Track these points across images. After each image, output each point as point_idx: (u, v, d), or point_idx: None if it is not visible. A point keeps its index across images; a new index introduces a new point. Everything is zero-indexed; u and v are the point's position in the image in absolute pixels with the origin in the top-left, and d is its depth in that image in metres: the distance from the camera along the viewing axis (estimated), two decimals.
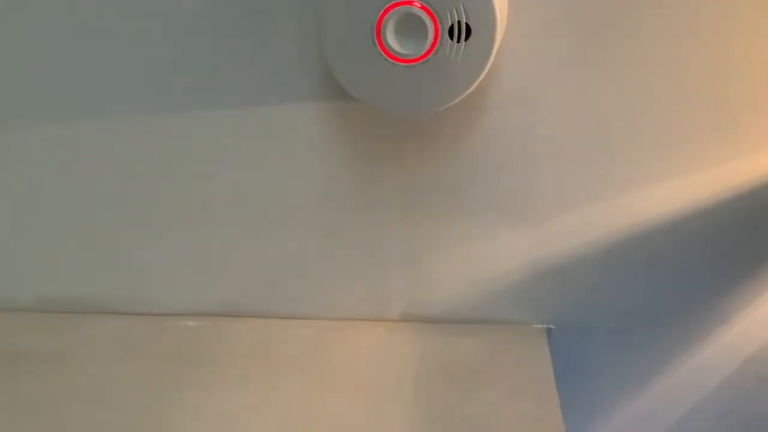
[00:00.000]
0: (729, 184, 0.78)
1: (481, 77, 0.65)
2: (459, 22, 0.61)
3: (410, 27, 0.62)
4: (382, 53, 0.63)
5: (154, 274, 0.89)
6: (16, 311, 0.91)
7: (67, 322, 0.90)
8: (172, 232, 0.85)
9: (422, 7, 0.61)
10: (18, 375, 0.82)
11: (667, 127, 0.75)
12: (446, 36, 0.62)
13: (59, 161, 0.82)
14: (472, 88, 0.66)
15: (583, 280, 0.85)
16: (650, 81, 0.72)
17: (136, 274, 0.89)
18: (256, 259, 0.86)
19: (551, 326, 0.88)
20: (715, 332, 0.88)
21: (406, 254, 0.85)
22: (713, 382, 0.91)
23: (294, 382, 0.81)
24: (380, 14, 0.62)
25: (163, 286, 0.89)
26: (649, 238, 0.81)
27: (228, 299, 0.90)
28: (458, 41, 0.62)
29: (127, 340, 0.87)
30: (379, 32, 0.62)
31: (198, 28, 0.72)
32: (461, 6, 0.61)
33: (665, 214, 0.80)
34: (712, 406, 0.93)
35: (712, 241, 0.81)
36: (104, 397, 0.79)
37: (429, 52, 0.63)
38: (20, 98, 0.78)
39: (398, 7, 0.61)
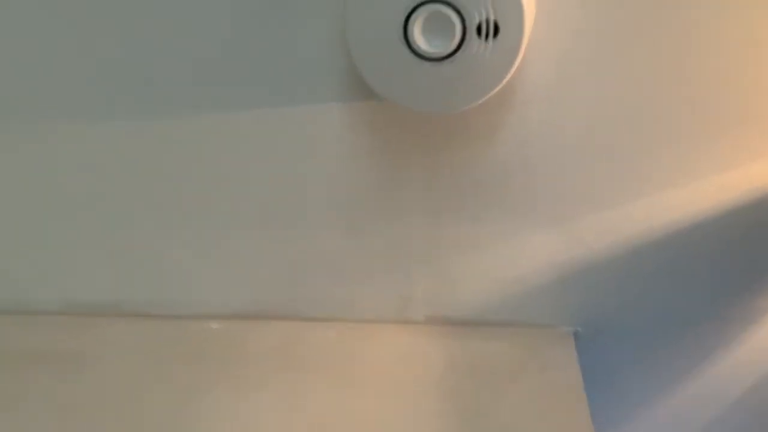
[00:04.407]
0: (758, 184, 0.76)
1: (509, 75, 0.64)
2: (487, 20, 0.61)
3: (438, 25, 0.61)
4: (409, 51, 0.63)
5: (178, 277, 0.88)
6: (40, 314, 0.91)
7: (91, 325, 0.90)
8: (195, 233, 0.85)
9: (450, 5, 0.60)
10: (42, 377, 0.82)
11: (696, 127, 0.73)
12: (474, 33, 0.61)
13: (82, 163, 0.82)
14: (500, 86, 0.65)
15: (610, 282, 0.84)
16: (682, 77, 0.71)
17: (159, 276, 0.89)
18: (280, 259, 0.86)
19: (578, 329, 0.87)
20: (742, 334, 0.86)
21: (430, 255, 0.84)
22: (743, 386, 0.90)
23: (319, 383, 0.80)
24: (408, 12, 0.61)
25: (186, 288, 0.89)
26: (676, 239, 0.80)
27: (251, 301, 0.89)
28: (486, 39, 0.62)
29: (150, 343, 0.87)
30: (406, 30, 0.62)
31: (219, 25, 0.72)
32: (489, 4, 0.60)
33: (693, 214, 0.79)
34: (742, 409, 0.91)
35: (741, 241, 0.80)
36: (128, 399, 0.79)
37: (456, 49, 0.62)
38: (49, 96, 0.78)
39: (426, 5, 0.60)
